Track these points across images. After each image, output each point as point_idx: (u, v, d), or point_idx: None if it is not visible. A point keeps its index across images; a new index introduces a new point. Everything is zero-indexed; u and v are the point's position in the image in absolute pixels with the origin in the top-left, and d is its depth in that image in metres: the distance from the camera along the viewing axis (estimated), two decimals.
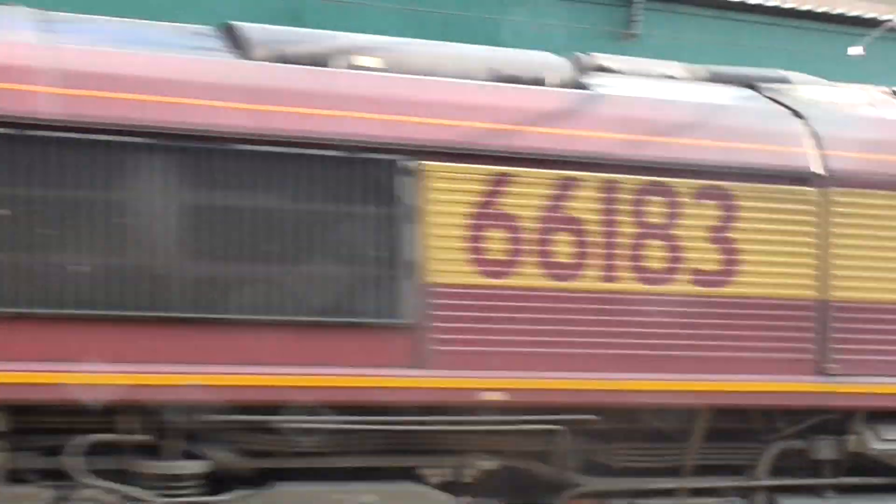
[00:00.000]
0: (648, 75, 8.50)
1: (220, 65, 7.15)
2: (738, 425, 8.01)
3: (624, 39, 14.22)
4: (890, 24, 14.35)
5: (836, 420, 8.07)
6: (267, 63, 7.29)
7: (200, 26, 7.91)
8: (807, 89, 8.80)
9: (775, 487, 8.03)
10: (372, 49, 7.70)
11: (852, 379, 7.93)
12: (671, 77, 8.63)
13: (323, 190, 6.98)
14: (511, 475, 7.66)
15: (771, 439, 8.05)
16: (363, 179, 7.05)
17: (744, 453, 8.05)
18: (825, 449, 8.08)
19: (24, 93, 6.54)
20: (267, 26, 7.81)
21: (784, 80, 8.86)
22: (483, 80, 7.73)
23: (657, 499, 7.82)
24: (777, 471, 8.08)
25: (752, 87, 8.68)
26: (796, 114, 8.26)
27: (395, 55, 7.71)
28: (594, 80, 8.14)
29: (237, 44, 7.47)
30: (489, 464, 7.52)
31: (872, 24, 14.78)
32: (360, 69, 7.48)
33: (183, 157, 6.74)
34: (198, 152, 6.77)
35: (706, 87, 8.55)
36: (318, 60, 7.43)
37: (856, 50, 13.85)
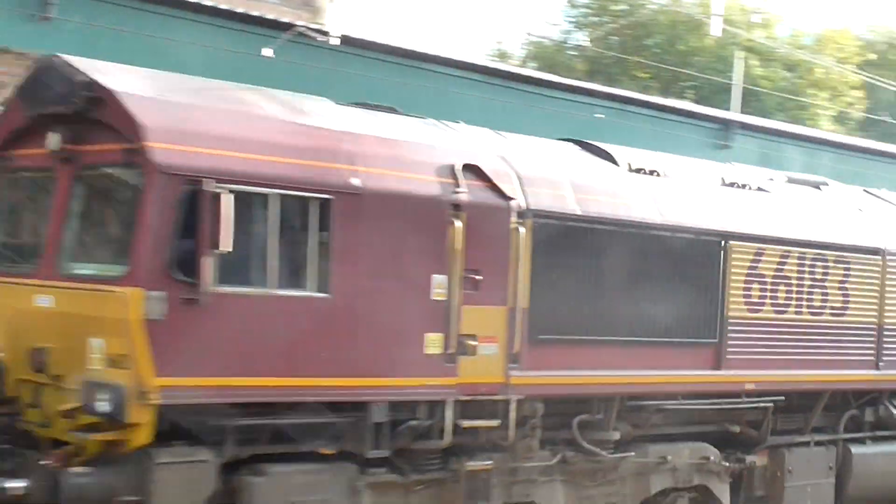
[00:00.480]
0: (769, 179, 13.27)
1: (630, 176, 11.10)
2: (830, 401, 13.00)
3: (39, 22, 14.32)
4: (298, 28, 15.57)
5: (874, 396, 13.32)
6: (634, 174, 11.31)
7: (556, 140, 11.74)
8: (841, 189, 14.06)
9: (846, 439, 13.13)
10: (677, 163, 11.95)
11: (891, 372, 13.24)
12: (772, 179, 13.44)
13: (684, 259, 11.14)
14: (733, 436, 12.13)
15: (845, 409, 13.16)
16: (699, 252, 11.29)
17: (832, 418, 13.08)
18: (869, 414, 13.32)
19: (561, 197, 10.20)
20: (603, 144, 11.75)
21: (826, 183, 14.03)
22: (720, 185, 12.19)
23: (795, 447, 12.59)
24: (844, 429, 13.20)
25: (818, 188, 13.75)
26: (861, 210, 13.47)
27: (684, 169, 12.01)
28: (765, 185, 12.81)
29: (608, 158, 11.39)
30: (734, 428, 11.98)
31: (285, 27, 15.88)
32: (674, 178, 11.68)
33: (625, 238, 10.65)
34: (632, 236, 10.71)
35: (802, 188, 13.47)
36: (652, 171, 11.55)
37: (268, 51, 15.11)
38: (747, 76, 38.71)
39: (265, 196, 8.34)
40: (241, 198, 8.14)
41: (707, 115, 22.60)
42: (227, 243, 7.96)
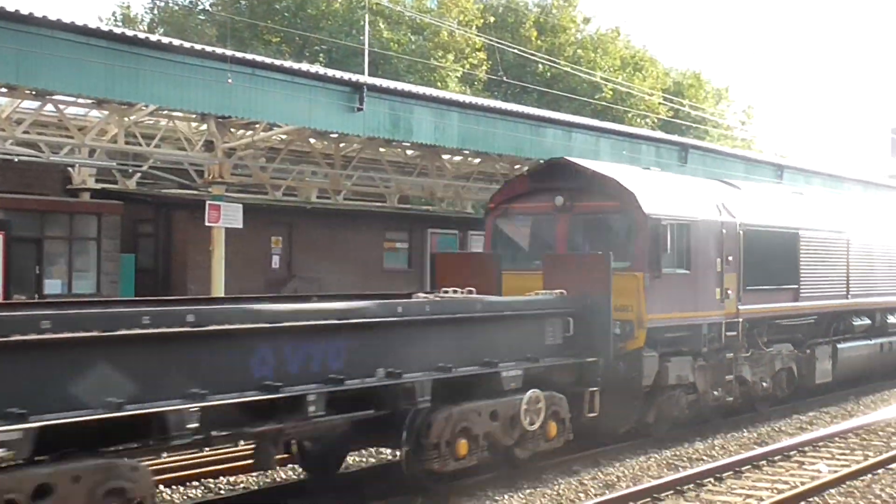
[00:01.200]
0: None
1: (751, 196, 20.51)
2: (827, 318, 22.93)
3: None
4: None
5: (844, 314, 23.41)
6: (750, 194, 20.74)
7: (712, 181, 21.00)
8: (813, 193, 24.12)
9: (834, 340, 23.11)
10: (752, 184, 21.49)
11: (857, 300, 23.40)
12: (794, 193, 23.22)
13: (783, 243, 20.66)
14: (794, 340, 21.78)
15: (832, 322, 23.15)
16: (788, 239, 20.85)
17: (826, 328, 23.02)
18: (843, 325, 23.43)
19: (749, 214, 19.50)
20: (728, 180, 21.11)
21: (802, 192, 24.00)
22: (781, 196, 21.84)
23: (818, 345, 22.33)
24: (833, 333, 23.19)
25: (802, 194, 23.68)
26: (829, 207, 23.56)
27: (754, 186, 21.57)
28: (791, 194, 22.56)
29: (735, 187, 20.77)
30: (798, 335, 21.65)
31: None
32: (759, 194, 21.22)
33: (765, 234, 20.06)
34: (766, 232, 20.12)
35: (800, 196, 23.31)
36: (753, 192, 21.03)
37: None
38: (377, 40, 40.03)
39: (674, 225, 17.15)
40: (675, 227, 16.96)
41: (338, 79, 21.90)
42: (668, 248, 16.76)
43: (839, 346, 23.01)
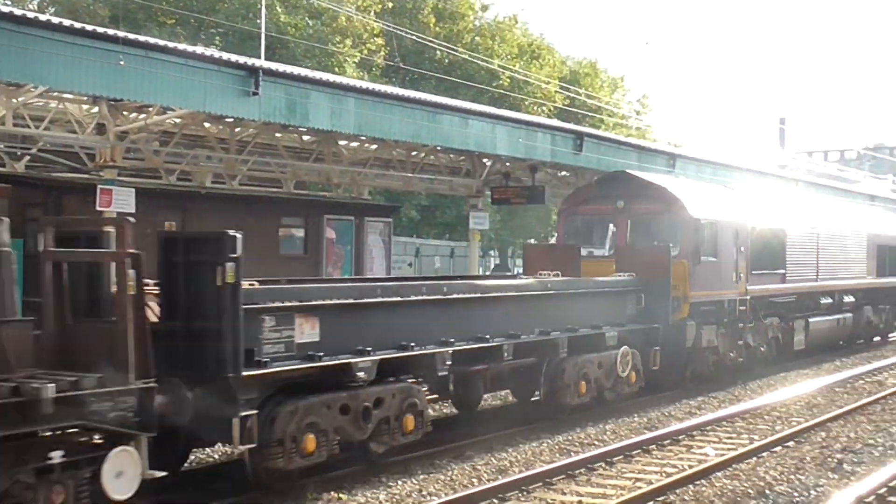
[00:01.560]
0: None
1: (744, 197, 25.70)
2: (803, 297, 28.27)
3: None
4: None
5: (815, 294, 28.78)
6: (742, 195, 25.95)
7: (715, 185, 26.18)
8: (789, 196, 29.45)
9: (807, 315, 28.43)
10: (743, 183, 26.75)
11: (824, 283, 28.77)
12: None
13: (774, 237, 25.88)
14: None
15: (805, 301, 28.48)
16: (777, 234, 26.07)
17: (801, 307, 28.33)
18: (812, 303, 28.80)
19: (753, 217, 24.68)
20: (727, 186, 26.31)
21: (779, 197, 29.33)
22: (763, 196, 27.12)
23: (795, 319, 27.62)
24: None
25: (785, 195, 28.98)
26: (803, 209, 28.89)
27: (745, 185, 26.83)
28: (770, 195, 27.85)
29: (731, 189, 25.93)
30: (784, 311, 26.93)
31: None
32: (750, 193, 26.45)
33: (763, 232, 25.26)
34: (762, 230, 25.33)
35: (782, 198, 28.61)
36: (744, 192, 26.25)
37: None
38: (274, 24, 38.98)
39: (708, 223, 22.17)
40: (708, 225, 22.00)
41: (233, 63, 20.87)
42: (705, 242, 21.80)
43: (810, 320, 28.31)
